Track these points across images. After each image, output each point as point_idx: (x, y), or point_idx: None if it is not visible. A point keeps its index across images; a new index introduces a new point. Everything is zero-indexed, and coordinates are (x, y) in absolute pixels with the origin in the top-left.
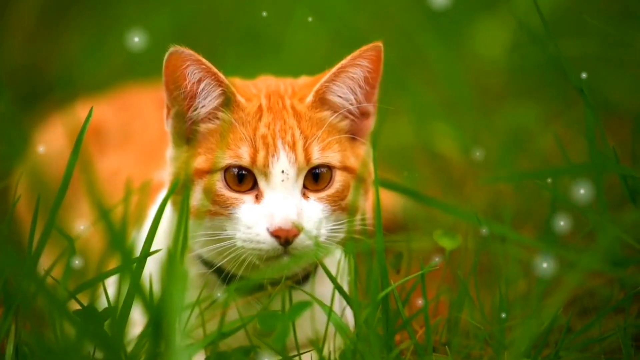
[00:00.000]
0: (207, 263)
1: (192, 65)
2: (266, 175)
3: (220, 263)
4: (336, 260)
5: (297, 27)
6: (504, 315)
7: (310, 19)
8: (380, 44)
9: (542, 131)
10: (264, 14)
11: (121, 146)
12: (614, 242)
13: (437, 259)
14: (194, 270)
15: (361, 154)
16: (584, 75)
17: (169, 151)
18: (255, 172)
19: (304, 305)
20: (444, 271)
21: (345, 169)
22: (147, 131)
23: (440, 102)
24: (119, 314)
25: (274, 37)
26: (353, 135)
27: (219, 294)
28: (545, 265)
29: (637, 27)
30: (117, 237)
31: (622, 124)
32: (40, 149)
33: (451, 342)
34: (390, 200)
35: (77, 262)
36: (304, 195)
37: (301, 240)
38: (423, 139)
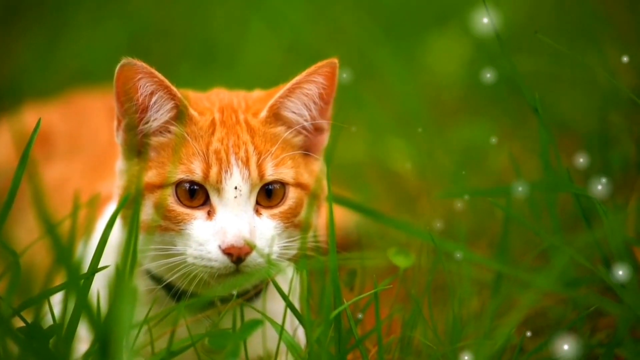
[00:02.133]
0: (156, 278)
1: (144, 78)
2: (219, 191)
3: (170, 279)
4: (288, 278)
5: (252, 39)
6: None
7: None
8: (335, 60)
9: (496, 148)
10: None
11: (70, 154)
12: (567, 262)
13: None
14: (142, 286)
15: (315, 170)
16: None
17: (119, 163)
18: (208, 187)
19: (255, 324)
20: (397, 289)
21: (299, 185)
22: (97, 139)
23: (394, 118)
24: (65, 332)
25: (228, 49)
26: (307, 151)
27: (168, 310)
28: None
29: (589, 46)
30: (63, 252)
31: (575, 142)
32: None
33: None
34: (344, 217)
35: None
36: (257, 211)
37: (253, 258)
38: (377, 155)
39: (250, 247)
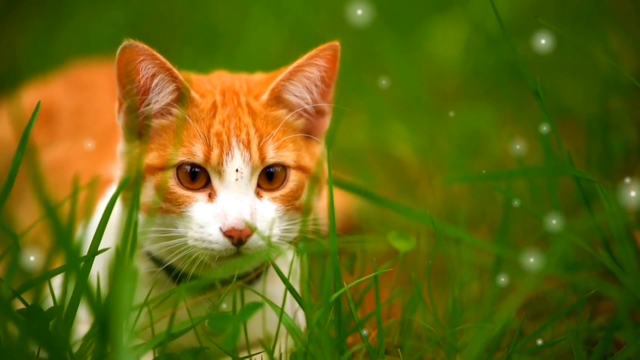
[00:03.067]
0: (157, 261)
1: (146, 59)
2: (220, 173)
3: (171, 261)
4: (289, 261)
5: (254, 25)
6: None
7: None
8: (337, 43)
9: (497, 134)
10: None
11: (74, 133)
12: (568, 246)
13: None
14: (143, 268)
15: (316, 154)
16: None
17: (120, 145)
18: (209, 170)
19: (255, 307)
20: (397, 273)
21: (300, 168)
22: (102, 118)
23: (395, 103)
24: (65, 314)
25: (230, 35)
26: (308, 134)
27: (168, 293)
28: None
29: (590, 31)
30: (63, 234)
31: (577, 130)
32: None
33: (403, 345)
34: (344, 202)
35: (32, 258)
36: (258, 194)
37: (254, 240)
38: (378, 140)
39: (251, 229)
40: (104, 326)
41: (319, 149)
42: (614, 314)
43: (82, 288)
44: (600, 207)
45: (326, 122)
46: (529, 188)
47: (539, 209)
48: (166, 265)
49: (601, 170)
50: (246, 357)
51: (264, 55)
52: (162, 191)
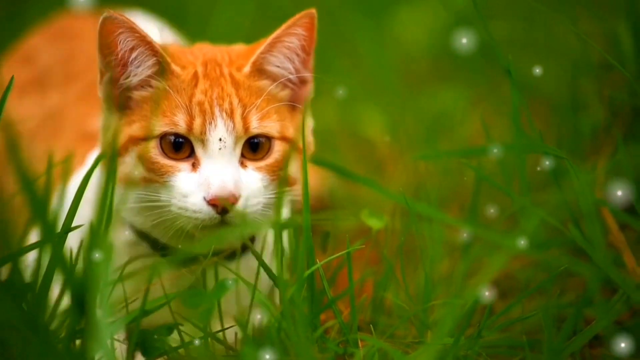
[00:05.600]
0: (138, 232)
1: (125, 32)
2: (203, 142)
3: (154, 234)
4: (267, 235)
5: (222, 3)
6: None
7: None
8: (313, 10)
9: (467, 114)
10: None
11: (66, 80)
12: (538, 224)
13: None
14: (122, 239)
15: (299, 123)
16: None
17: (101, 118)
18: (192, 139)
19: (226, 285)
20: (370, 252)
21: (284, 139)
22: (95, 63)
23: (366, 85)
24: (39, 289)
25: (199, 14)
26: (292, 103)
27: (147, 265)
28: None
29: (561, 11)
30: (39, 207)
31: (546, 110)
32: None
33: (376, 322)
34: (316, 181)
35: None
36: (242, 164)
37: (238, 209)
38: (348, 121)
39: (235, 197)
40: (79, 301)
41: (301, 118)
42: (583, 291)
43: (57, 262)
44: (570, 184)
45: (309, 90)
46: (499, 166)
47: (509, 186)
48: (149, 238)
49: (570, 149)
50: (219, 331)
51: (233, 34)
52: (144, 161)
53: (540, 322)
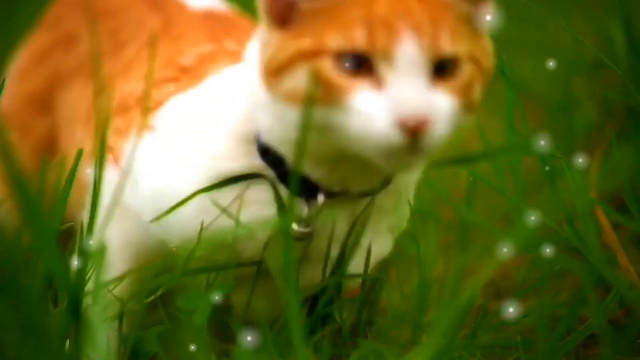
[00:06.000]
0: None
1: None
2: (388, 60)
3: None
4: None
5: None
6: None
7: None
8: None
9: None
10: None
11: (116, 50)
12: (534, 224)
13: None
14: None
15: (485, 47)
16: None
17: (261, 34)
18: (374, 56)
19: (227, 287)
20: None
21: (473, 60)
22: (144, 25)
23: None
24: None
25: None
26: (476, 25)
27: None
28: None
29: (555, 11)
30: (32, 209)
31: (540, 109)
32: None
33: (372, 322)
34: None
35: None
36: (432, 85)
37: (432, 135)
38: None
39: (428, 120)
40: (75, 302)
41: (487, 43)
42: (577, 290)
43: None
44: (563, 184)
45: (489, 10)
46: (493, 165)
47: (503, 186)
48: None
49: (564, 148)
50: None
51: None
52: (318, 80)
53: (534, 321)
